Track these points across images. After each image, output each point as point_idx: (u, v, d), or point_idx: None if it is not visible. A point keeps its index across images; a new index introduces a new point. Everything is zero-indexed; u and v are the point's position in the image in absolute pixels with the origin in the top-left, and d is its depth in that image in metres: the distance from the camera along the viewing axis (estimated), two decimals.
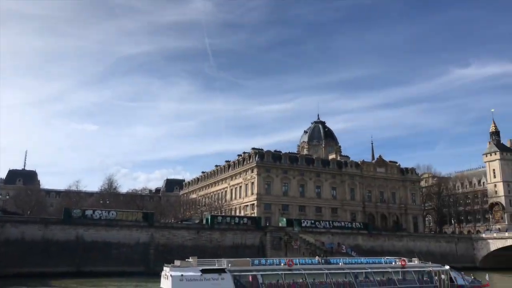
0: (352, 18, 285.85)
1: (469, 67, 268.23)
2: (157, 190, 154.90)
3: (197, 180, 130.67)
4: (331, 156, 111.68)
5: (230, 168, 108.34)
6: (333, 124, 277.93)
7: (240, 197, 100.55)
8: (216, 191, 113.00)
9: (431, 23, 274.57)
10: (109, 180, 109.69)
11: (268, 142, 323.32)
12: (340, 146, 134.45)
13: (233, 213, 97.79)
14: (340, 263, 37.14)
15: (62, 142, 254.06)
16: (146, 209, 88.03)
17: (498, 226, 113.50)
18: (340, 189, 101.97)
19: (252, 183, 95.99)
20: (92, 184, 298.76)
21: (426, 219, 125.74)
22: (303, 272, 34.05)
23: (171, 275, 30.44)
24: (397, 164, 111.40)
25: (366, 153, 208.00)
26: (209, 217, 75.13)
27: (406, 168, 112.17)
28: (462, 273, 40.45)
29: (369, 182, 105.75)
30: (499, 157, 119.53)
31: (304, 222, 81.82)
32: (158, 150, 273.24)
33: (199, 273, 31.23)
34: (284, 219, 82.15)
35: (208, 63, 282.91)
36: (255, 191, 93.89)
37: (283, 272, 33.46)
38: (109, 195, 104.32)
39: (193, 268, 32.07)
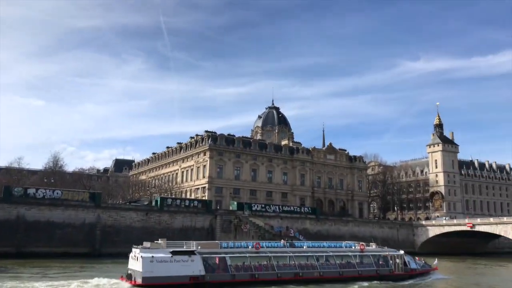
0: (308, 5, 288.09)
1: (418, 60, 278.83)
2: (106, 170, 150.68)
3: (147, 161, 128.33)
4: (284, 142, 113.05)
5: (182, 150, 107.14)
6: (287, 110, 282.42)
7: (191, 180, 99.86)
8: (167, 173, 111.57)
9: (384, 16, 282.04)
10: (54, 158, 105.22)
11: (221, 125, 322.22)
12: (292, 132, 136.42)
13: (183, 195, 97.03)
14: (304, 247, 38.98)
15: (4, 116, 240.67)
16: (93, 189, 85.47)
17: (437, 214, 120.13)
18: (291, 175, 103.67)
19: (204, 166, 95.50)
20: (36, 162, 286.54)
21: (371, 205, 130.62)
22: (269, 254, 35.50)
23: (141, 256, 30.64)
24: (346, 152, 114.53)
25: (318, 140, 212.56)
26: (159, 199, 74.23)
27: (355, 156, 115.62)
28: (416, 257, 43.56)
29: (319, 168, 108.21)
30: (441, 149, 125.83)
31: (254, 206, 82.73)
32: (108, 129, 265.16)
33: (169, 255, 31.56)
34: (235, 203, 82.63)
35: (162, 41, 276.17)
36: (207, 174, 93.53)
37: (250, 255, 34.73)
38: (54, 174, 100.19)
39: (163, 250, 32.27)
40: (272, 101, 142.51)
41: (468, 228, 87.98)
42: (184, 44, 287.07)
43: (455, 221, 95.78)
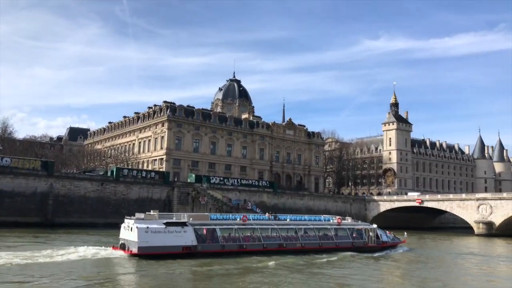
0: None
1: (378, 39, 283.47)
2: (59, 138, 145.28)
3: (103, 131, 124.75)
4: (244, 116, 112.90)
5: (140, 120, 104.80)
6: (248, 84, 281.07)
7: (148, 151, 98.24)
8: (123, 143, 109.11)
9: None
10: (3, 124, 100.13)
11: (181, 96, 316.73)
12: (253, 106, 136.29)
13: (140, 166, 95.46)
14: (287, 220, 41.69)
15: None
16: (45, 158, 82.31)
17: (389, 190, 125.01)
18: (251, 149, 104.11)
19: (162, 137, 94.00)
20: None
21: (327, 180, 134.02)
22: (256, 226, 37.61)
23: (137, 227, 31.70)
24: (305, 128, 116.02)
25: (278, 115, 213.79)
26: (115, 169, 72.71)
27: (313, 132, 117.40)
28: (386, 231, 46.29)
29: (278, 143, 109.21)
30: (395, 127, 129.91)
31: (213, 179, 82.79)
32: (61, 95, 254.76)
33: (163, 226, 32.90)
34: (193, 175, 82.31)
35: (121, 6, 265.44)
36: (165, 145, 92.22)
37: (238, 226, 36.60)
38: (3, 141, 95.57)
39: (156, 221, 33.43)
40: (234, 73, 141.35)
41: (417, 204, 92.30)
42: (144, 10, 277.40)
43: (405, 197, 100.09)
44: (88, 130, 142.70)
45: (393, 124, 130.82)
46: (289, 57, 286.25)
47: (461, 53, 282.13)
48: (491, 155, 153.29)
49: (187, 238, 33.27)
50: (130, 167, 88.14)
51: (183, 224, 33.94)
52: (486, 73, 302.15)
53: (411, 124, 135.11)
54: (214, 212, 73.44)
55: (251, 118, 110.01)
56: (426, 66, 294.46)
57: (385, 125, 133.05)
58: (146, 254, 31.22)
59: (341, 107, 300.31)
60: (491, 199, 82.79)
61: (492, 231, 78.12)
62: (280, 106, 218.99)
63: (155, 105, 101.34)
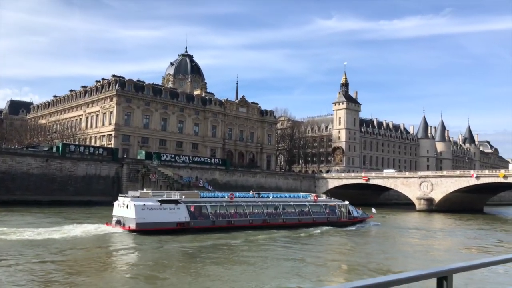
0: None
1: (330, 19, 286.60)
2: None
3: (47, 105, 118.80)
4: (196, 92, 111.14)
5: (87, 95, 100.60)
6: (200, 59, 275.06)
7: (96, 127, 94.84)
8: (70, 118, 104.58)
9: None
10: None
11: (131, 70, 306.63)
12: (206, 83, 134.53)
13: (88, 142, 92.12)
14: (270, 197, 45.22)
15: None
16: None
17: (337, 168, 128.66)
18: (203, 126, 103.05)
19: (111, 112, 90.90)
20: None
21: (279, 158, 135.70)
22: (242, 203, 40.30)
23: (134, 204, 33.53)
24: (258, 106, 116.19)
25: (231, 92, 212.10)
26: (60, 145, 69.74)
27: (266, 110, 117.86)
28: (356, 208, 50.64)
29: (230, 120, 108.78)
30: (345, 107, 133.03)
31: (164, 156, 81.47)
32: (1, 66, 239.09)
33: (158, 203, 34.86)
34: (143, 152, 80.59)
35: None
36: (114, 121, 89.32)
37: (227, 204, 39.20)
38: None
39: (151, 198, 35.46)
40: (186, 48, 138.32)
41: (364, 181, 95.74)
42: None
43: (352, 175, 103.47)
44: (31, 103, 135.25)
45: (343, 103, 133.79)
46: (243, 33, 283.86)
47: (409, 35, 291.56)
48: (433, 135, 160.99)
49: (180, 214, 35.25)
50: (77, 143, 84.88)
51: (176, 202, 35.85)
52: (432, 56, 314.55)
53: (360, 104, 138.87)
54: (164, 189, 72.90)
55: (203, 94, 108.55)
56: (375, 47, 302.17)
57: (335, 105, 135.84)
58: (144, 230, 33.02)
59: (293, 86, 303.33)
60: (432, 177, 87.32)
61: (432, 207, 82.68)
62: (233, 83, 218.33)
63: (103, 79, 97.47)
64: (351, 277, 22.07)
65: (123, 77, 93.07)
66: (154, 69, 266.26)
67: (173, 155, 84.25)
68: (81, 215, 46.93)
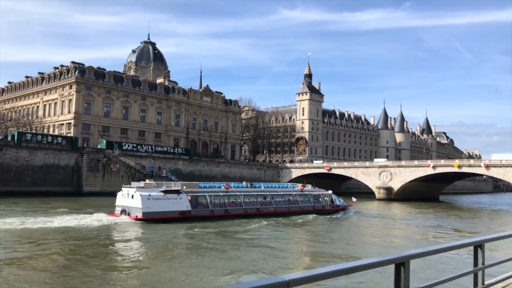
0: None
1: (295, 9, 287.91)
2: None
3: (1, 91, 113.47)
4: (159, 80, 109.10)
5: (44, 81, 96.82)
6: (163, 47, 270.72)
7: (55, 115, 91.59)
8: (26, 105, 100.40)
9: None
10: None
11: (90, 57, 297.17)
12: (169, 71, 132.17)
13: (46, 131, 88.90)
14: (262, 187, 47.68)
15: None
16: None
17: (300, 157, 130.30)
18: (166, 115, 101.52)
19: (70, 100, 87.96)
20: None
21: (243, 148, 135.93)
22: (238, 193, 42.70)
23: (140, 194, 35.16)
24: (222, 95, 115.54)
25: (195, 81, 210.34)
26: (16, 134, 66.95)
27: (230, 100, 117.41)
28: (339, 196, 54.21)
29: (194, 110, 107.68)
30: (309, 98, 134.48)
31: (125, 145, 79.92)
32: None
33: (162, 193, 36.69)
34: (104, 141, 78.69)
35: None
36: (73, 109, 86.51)
37: (224, 193, 41.59)
38: None
39: (155, 189, 37.28)
40: (148, 35, 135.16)
41: (326, 171, 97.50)
42: None
43: (315, 164, 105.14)
44: None
45: (306, 94, 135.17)
46: (206, 22, 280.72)
47: (371, 28, 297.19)
48: (393, 126, 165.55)
49: (182, 204, 37.23)
50: (34, 131, 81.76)
51: (178, 192, 37.78)
52: (392, 49, 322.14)
53: (323, 95, 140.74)
54: (126, 179, 72.21)
55: (166, 83, 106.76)
56: (338, 39, 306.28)
57: (299, 95, 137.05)
58: (149, 219, 34.72)
59: (258, 75, 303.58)
60: (391, 167, 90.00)
61: (391, 196, 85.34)
62: (197, 72, 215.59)
63: (62, 66, 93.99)
64: (317, 264, 22.56)
65: (83, 64, 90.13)
66: (115, 56, 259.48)
67: (135, 145, 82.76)
68: (40, 206, 45.34)
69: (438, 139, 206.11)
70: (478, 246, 5.57)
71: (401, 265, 4.15)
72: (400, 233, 38.76)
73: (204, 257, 22.92)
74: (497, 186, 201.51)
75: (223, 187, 42.76)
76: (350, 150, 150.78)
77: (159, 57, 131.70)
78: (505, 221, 53.97)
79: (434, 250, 4.85)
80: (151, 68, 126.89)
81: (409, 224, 45.59)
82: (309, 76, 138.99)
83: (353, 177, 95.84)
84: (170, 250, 24.95)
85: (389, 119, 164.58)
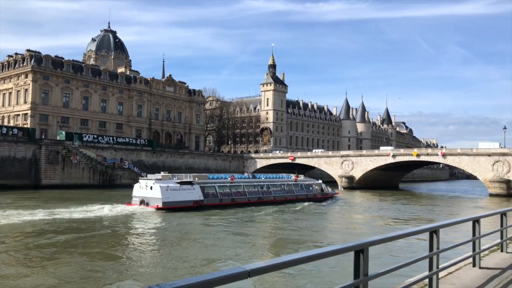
0: None
1: None
2: None
3: None
4: (120, 70, 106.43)
5: None
6: (124, 36, 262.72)
7: (9, 105, 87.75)
8: None
9: None
10: None
11: (47, 45, 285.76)
12: (130, 60, 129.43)
13: (0, 122, 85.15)
14: (262, 178, 51.97)
15: None
16: None
17: (265, 148, 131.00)
18: (127, 105, 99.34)
19: (26, 90, 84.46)
20: None
21: (207, 139, 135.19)
22: (242, 184, 46.55)
23: (160, 186, 38.49)
24: (185, 85, 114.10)
25: (157, 70, 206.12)
26: None
27: (194, 90, 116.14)
28: (327, 186, 58.56)
29: (157, 100, 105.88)
30: (273, 88, 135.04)
31: (86, 136, 77.78)
32: None
33: (178, 185, 40.21)
34: (63, 132, 76.31)
35: None
36: (29, 99, 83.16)
37: (230, 184, 45.41)
38: None
39: (171, 180, 40.78)
40: (109, 23, 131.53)
41: (290, 161, 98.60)
42: None
43: (279, 154, 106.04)
44: None
45: (270, 85, 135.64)
46: (168, 10, 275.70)
47: (333, 19, 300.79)
48: (354, 116, 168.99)
49: (196, 194, 40.70)
50: None
51: (191, 183, 41.26)
52: (354, 40, 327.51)
53: (287, 86, 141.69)
54: (87, 172, 71.05)
55: (128, 72, 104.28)
56: (302, 30, 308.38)
57: (263, 86, 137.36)
58: (168, 208, 37.77)
59: (222, 65, 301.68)
60: (353, 156, 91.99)
61: (353, 184, 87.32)
62: (159, 61, 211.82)
63: (16, 54, 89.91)
64: (288, 251, 22.91)
65: (39, 52, 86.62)
66: (74, 44, 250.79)
67: (96, 136, 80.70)
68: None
69: (397, 128, 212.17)
70: (433, 232, 5.79)
71: (360, 252, 4.27)
72: (363, 220, 39.80)
73: (225, 239, 25.95)
74: (453, 173, 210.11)
75: (228, 178, 46.55)
76: (314, 140, 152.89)
77: (120, 46, 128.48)
78: (460, 207, 56.40)
79: (391, 237, 5.01)
80: (112, 57, 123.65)
81: (372, 211, 46.90)
82: (273, 66, 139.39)
83: (316, 166, 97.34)
84: (195, 234, 28.32)
85: (351, 109, 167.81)
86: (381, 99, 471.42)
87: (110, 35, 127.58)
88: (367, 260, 4.32)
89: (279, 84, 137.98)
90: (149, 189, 39.13)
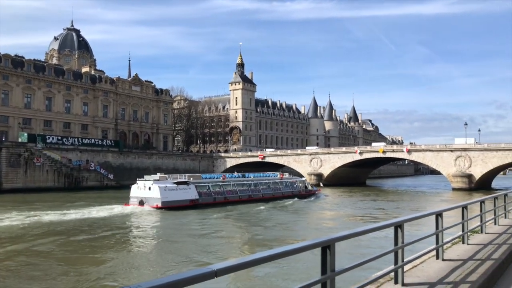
0: None
1: None
2: None
3: None
4: (85, 69, 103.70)
5: None
6: (88, 34, 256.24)
7: None
8: None
9: None
10: None
11: (6, 44, 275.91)
12: (95, 59, 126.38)
13: None
14: (251, 177, 54.55)
15: None
16: None
17: (235, 147, 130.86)
18: (93, 105, 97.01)
19: None
20: None
21: (176, 138, 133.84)
22: (233, 182, 49.34)
23: (158, 186, 40.57)
24: (152, 84, 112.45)
25: (123, 70, 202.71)
26: None
27: (161, 89, 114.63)
28: (310, 183, 62.43)
29: (123, 100, 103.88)
30: (241, 87, 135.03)
31: (49, 138, 75.54)
32: None
33: (175, 185, 42.31)
34: (25, 134, 73.79)
35: None
36: None
37: (222, 183, 47.95)
38: None
39: (168, 181, 42.99)
40: (72, 22, 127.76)
41: (260, 159, 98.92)
42: None
43: (249, 153, 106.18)
44: None
45: (239, 84, 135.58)
46: (134, 8, 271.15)
47: (301, 18, 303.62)
48: (322, 114, 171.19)
49: (191, 193, 42.87)
50: None
51: (187, 183, 43.49)
52: (321, 39, 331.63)
53: (255, 85, 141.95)
54: (52, 174, 69.23)
55: (92, 72, 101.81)
56: (269, 29, 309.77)
57: (231, 85, 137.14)
58: (167, 207, 39.79)
59: (189, 64, 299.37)
60: (321, 154, 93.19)
61: (322, 181, 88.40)
62: (125, 60, 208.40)
63: None
64: (255, 249, 22.94)
65: None
66: (35, 43, 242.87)
67: (60, 137, 78.48)
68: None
69: (364, 126, 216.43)
70: (398, 227, 5.91)
71: (327, 248, 4.31)
72: (332, 216, 40.36)
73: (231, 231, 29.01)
74: (418, 169, 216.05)
75: (220, 178, 49.41)
76: (283, 139, 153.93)
77: (84, 45, 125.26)
78: (425, 201, 58.08)
79: (357, 233, 5.08)
80: (76, 56, 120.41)
81: (340, 208, 47.66)
82: (241, 65, 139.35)
83: (285, 164, 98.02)
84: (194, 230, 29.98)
85: (318, 108, 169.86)
86: (348, 97, 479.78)
87: (74, 34, 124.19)
88: (334, 256, 4.36)
89: (248, 83, 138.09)
90: (147, 189, 41.03)
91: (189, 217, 35.89)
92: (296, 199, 52.72)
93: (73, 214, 35.18)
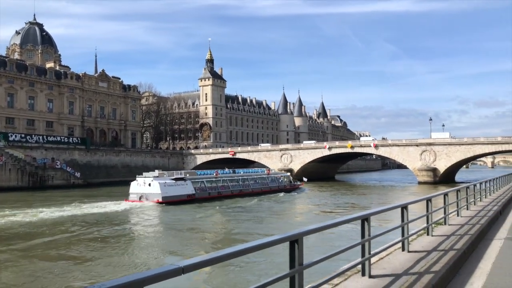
0: None
1: None
2: None
3: None
4: (49, 65, 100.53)
5: None
6: (52, 29, 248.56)
7: None
8: None
9: None
10: None
11: None
12: (60, 55, 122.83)
13: None
14: (241, 173, 58.12)
15: None
16: None
17: (205, 144, 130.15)
18: (58, 102, 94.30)
19: None
20: None
21: (144, 135, 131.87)
22: (225, 178, 52.66)
23: (158, 182, 43.02)
24: (120, 80, 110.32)
25: (89, 65, 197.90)
26: None
27: (129, 85, 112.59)
28: (293, 178, 66.56)
29: (90, 96, 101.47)
30: (211, 83, 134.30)
31: (12, 136, 73.13)
32: None
33: (173, 181, 44.85)
34: None
35: None
36: None
37: (215, 179, 51.21)
38: None
39: (166, 177, 45.31)
40: (34, 15, 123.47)
41: (231, 156, 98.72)
42: None
43: (220, 150, 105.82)
44: None
45: (208, 80, 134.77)
46: (100, 2, 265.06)
47: (270, 14, 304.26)
48: (292, 110, 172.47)
49: (189, 189, 45.64)
50: None
51: (184, 179, 46.00)
52: (291, 35, 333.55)
53: (225, 81, 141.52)
54: (15, 173, 67.15)
55: (57, 67, 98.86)
56: (239, 25, 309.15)
57: (201, 81, 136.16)
58: (167, 202, 41.94)
59: (158, 60, 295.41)
60: (291, 149, 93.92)
61: (292, 177, 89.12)
62: (91, 56, 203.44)
63: None
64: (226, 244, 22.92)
65: None
66: None
67: (23, 135, 76.05)
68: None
69: (333, 122, 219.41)
70: (365, 220, 6.03)
71: (295, 242, 4.34)
72: (302, 210, 40.83)
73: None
74: (385, 163, 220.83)
75: (213, 174, 52.32)
76: (254, 135, 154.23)
77: (47, 40, 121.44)
78: (392, 195, 59.49)
79: (325, 226, 5.15)
80: (39, 51, 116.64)
81: (310, 202, 48.32)
82: (210, 61, 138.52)
83: (256, 160, 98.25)
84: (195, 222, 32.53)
85: (288, 104, 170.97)
86: (317, 94, 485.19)
87: (36, 28, 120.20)
88: (302, 249, 4.40)
89: (218, 79, 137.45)
90: (147, 185, 43.34)
91: (187, 211, 38.33)
92: (282, 193, 55.47)
93: (95, 209, 37.92)
